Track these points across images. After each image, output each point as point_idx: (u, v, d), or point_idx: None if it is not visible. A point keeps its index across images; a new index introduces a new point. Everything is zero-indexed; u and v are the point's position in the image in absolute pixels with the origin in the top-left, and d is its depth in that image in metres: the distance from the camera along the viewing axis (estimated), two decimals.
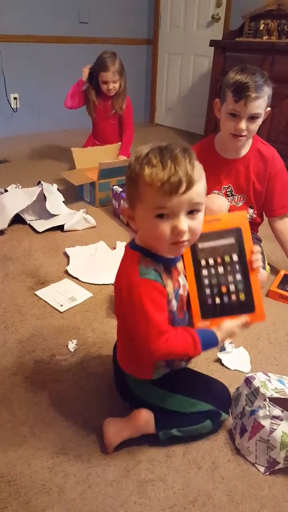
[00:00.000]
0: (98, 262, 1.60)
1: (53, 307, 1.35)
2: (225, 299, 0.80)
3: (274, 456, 0.85)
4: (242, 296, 0.80)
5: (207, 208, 1.39)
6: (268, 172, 1.43)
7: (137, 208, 0.72)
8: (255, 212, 1.51)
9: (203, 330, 0.79)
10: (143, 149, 0.69)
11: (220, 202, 1.41)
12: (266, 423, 0.84)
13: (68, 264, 1.59)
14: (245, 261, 0.80)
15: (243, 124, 1.30)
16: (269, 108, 1.34)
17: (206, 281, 0.80)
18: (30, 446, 0.90)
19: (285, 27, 2.63)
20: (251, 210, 1.50)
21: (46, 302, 1.37)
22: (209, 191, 1.46)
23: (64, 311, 1.33)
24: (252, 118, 1.30)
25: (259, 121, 1.32)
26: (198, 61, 3.58)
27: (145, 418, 0.88)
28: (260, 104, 1.27)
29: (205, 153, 1.47)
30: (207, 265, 0.81)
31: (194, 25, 3.53)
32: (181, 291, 0.82)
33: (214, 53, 2.93)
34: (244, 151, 1.42)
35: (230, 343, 1.18)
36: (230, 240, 0.81)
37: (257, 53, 2.60)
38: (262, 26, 2.69)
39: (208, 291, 0.80)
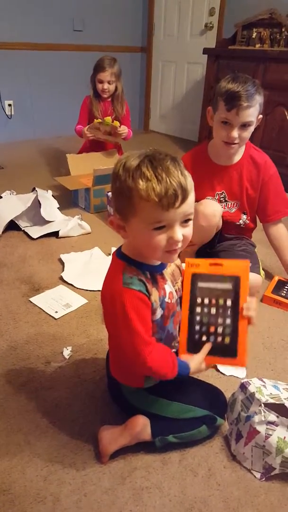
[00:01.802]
0: (93, 268, 1.60)
1: (47, 313, 1.34)
2: (211, 339, 0.83)
3: (270, 462, 0.85)
4: (227, 340, 0.83)
5: (200, 214, 1.41)
6: (261, 178, 1.44)
7: (131, 221, 0.71)
8: (248, 218, 1.52)
9: (180, 359, 0.82)
10: (130, 160, 0.68)
11: (213, 207, 1.42)
12: (261, 428, 0.84)
13: (63, 270, 1.59)
14: (237, 308, 0.83)
15: (235, 133, 1.32)
16: (261, 116, 1.35)
17: (198, 318, 0.84)
18: (25, 454, 0.89)
19: (277, 36, 2.67)
20: (244, 216, 1.51)
21: (40, 308, 1.37)
22: (202, 197, 1.47)
23: (59, 317, 1.33)
24: (244, 126, 1.32)
25: (251, 128, 1.34)
26: (191, 68, 3.62)
27: (141, 425, 0.88)
28: (252, 113, 1.29)
29: (198, 160, 1.49)
30: (202, 304, 0.84)
31: (188, 33, 3.57)
32: (167, 299, 0.81)
33: (207, 61, 2.97)
34: (237, 158, 1.44)
35: None
36: (228, 286, 0.85)
37: (250, 61, 2.64)
38: (254, 35, 2.74)
39: (197, 327, 0.84)
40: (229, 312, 0.84)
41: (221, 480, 0.86)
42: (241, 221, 1.51)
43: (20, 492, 0.82)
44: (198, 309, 0.84)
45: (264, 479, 0.86)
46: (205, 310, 0.84)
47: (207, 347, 0.83)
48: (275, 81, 2.51)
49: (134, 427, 0.87)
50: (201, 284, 0.85)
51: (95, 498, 0.81)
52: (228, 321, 0.83)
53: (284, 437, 0.83)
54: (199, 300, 0.84)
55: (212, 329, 0.84)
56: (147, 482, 0.85)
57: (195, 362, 0.82)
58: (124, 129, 2.38)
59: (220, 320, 0.84)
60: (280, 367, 1.16)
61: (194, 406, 0.88)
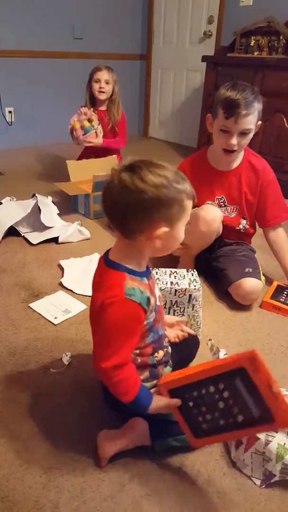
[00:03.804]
0: (92, 274, 1.59)
1: (47, 319, 1.34)
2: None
3: (270, 469, 0.84)
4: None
5: (201, 219, 1.42)
6: (260, 183, 1.45)
7: (177, 225, 0.76)
8: (248, 222, 1.52)
9: (146, 392, 0.82)
10: (129, 178, 0.70)
11: (214, 212, 1.43)
12: (261, 435, 0.83)
13: (62, 276, 1.59)
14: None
15: (234, 140, 1.33)
16: (260, 122, 1.36)
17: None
18: (24, 461, 0.89)
19: (275, 43, 2.70)
20: (244, 221, 1.52)
21: (40, 314, 1.37)
22: (202, 202, 1.48)
23: (58, 323, 1.33)
24: (243, 133, 1.33)
25: (250, 135, 1.35)
26: (190, 76, 3.65)
27: (140, 427, 0.88)
28: (251, 120, 1.30)
29: (197, 165, 1.50)
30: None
31: (187, 41, 3.61)
32: (158, 302, 0.84)
33: (206, 68, 3.00)
34: (236, 163, 1.45)
35: (225, 354, 1.18)
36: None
37: (248, 68, 2.66)
38: (253, 42, 2.77)
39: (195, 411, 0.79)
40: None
41: (221, 487, 0.85)
42: (240, 226, 1.52)
43: (19, 499, 0.81)
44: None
45: (264, 486, 0.85)
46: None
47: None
48: (273, 88, 2.53)
49: (133, 429, 0.87)
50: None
51: (94, 505, 0.81)
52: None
53: (284, 444, 0.83)
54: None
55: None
56: (147, 490, 0.84)
57: (159, 400, 0.81)
58: (91, 139, 2.39)
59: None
60: (280, 373, 1.16)
61: None
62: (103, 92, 2.42)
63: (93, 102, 2.50)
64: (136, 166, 0.71)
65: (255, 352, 0.68)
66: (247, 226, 1.52)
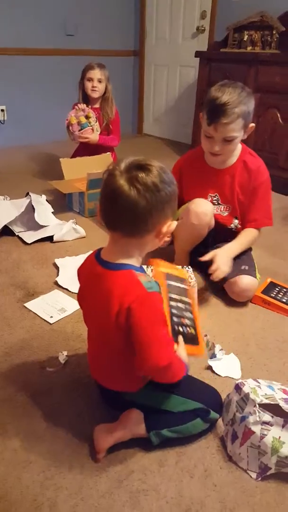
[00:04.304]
0: None
1: (42, 318, 1.34)
2: (184, 329, 0.92)
3: (265, 462, 0.85)
4: (192, 331, 0.95)
5: (192, 212, 1.42)
6: (251, 183, 1.43)
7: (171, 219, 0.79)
8: (240, 222, 1.51)
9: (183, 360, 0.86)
10: (146, 178, 0.72)
11: (205, 205, 1.43)
12: (256, 429, 0.84)
13: (57, 275, 1.59)
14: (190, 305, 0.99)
15: (216, 147, 1.32)
16: (252, 124, 1.33)
17: (174, 311, 0.92)
18: (21, 460, 0.89)
19: (268, 38, 2.69)
20: (236, 221, 1.51)
21: (35, 314, 1.37)
22: (195, 198, 1.48)
23: (54, 322, 1.33)
24: (227, 140, 1.31)
25: (236, 141, 1.34)
26: (184, 72, 3.64)
27: (135, 417, 0.88)
28: (232, 128, 1.27)
29: (193, 162, 1.50)
30: (173, 299, 0.95)
31: (180, 36, 3.60)
32: None
33: (199, 64, 2.99)
34: (231, 162, 1.45)
35: (220, 349, 1.19)
36: (184, 286, 1.01)
37: (242, 64, 2.66)
38: (246, 37, 2.76)
39: (175, 319, 0.92)
40: (189, 307, 0.97)
41: (217, 481, 0.86)
42: (232, 225, 1.52)
43: (17, 498, 0.82)
44: (172, 303, 0.93)
45: (260, 479, 0.86)
46: (175, 304, 0.93)
47: (181, 339, 0.87)
48: (267, 83, 2.53)
49: (128, 418, 0.88)
50: (169, 282, 0.97)
51: (92, 502, 0.81)
52: (190, 315, 0.96)
53: (279, 437, 0.83)
54: (171, 295, 0.94)
55: (183, 321, 0.93)
56: (144, 485, 0.85)
57: (184, 356, 0.85)
58: (87, 134, 2.39)
59: (186, 314, 0.95)
60: (275, 367, 1.17)
61: (188, 399, 0.89)
62: (96, 90, 2.42)
63: (86, 100, 2.49)
64: (143, 164, 0.73)
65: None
66: (239, 226, 1.51)
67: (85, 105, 2.43)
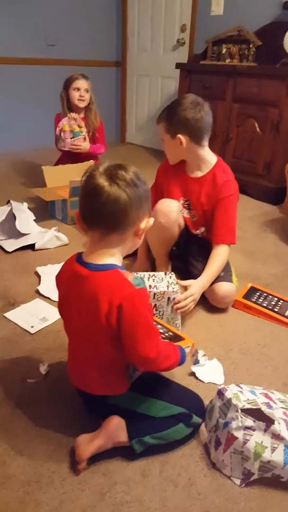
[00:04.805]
0: None
1: (23, 329, 1.32)
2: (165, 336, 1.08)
3: (248, 467, 0.85)
4: (170, 334, 1.13)
5: (158, 211, 1.45)
6: (216, 196, 1.43)
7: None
8: (205, 231, 1.52)
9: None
10: (126, 175, 0.77)
11: (170, 203, 1.47)
12: (239, 434, 0.84)
13: (39, 283, 1.57)
14: None
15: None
16: (179, 137, 1.37)
17: None
18: (0, 476, 0.86)
19: (246, 51, 2.78)
20: (202, 228, 1.53)
21: (16, 324, 1.34)
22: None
23: (35, 332, 1.30)
24: (162, 139, 1.47)
25: (167, 144, 1.45)
26: (165, 82, 3.70)
27: (115, 423, 0.87)
28: (160, 127, 1.43)
29: (171, 166, 1.53)
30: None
31: (161, 48, 3.66)
32: None
33: (180, 75, 3.05)
34: (202, 172, 1.46)
35: (203, 355, 1.19)
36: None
37: (220, 75, 2.73)
38: (224, 50, 2.83)
39: None
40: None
41: (201, 489, 0.85)
42: (198, 232, 1.54)
43: None
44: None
45: (244, 485, 0.86)
46: None
47: None
48: (245, 94, 2.60)
49: (109, 425, 0.87)
50: None
51: None
52: (159, 326, 1.20)
53: (262, 442, 0.83)
54: None
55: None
56: (127, 497, 0.83)
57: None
58: (79, 142, 2.41)
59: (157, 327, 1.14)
60: (257, 371, 1.18)
61: (170, 403, 0.89)
62: (83, 100, 2.45)
63: (70, 109, 2.50)
64: (120, 164, 0.78)
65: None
66: (205, 234, 1.52)
67: (76, 114, 2.43)
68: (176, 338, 1.18)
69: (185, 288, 1.31)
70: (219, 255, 1.41)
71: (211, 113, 1.39)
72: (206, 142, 1.42)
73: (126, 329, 0.78)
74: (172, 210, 1.45)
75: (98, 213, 0.77)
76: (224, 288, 1.40)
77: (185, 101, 1.37)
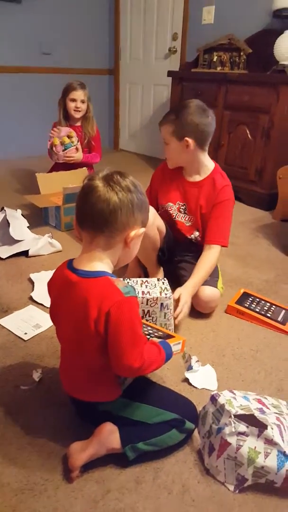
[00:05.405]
0: None
1: (16, 335, 1.31)
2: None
3: (242, 473, 0.85)
4: (160, 334, 1.14)
5: None
6: (214, 199, 1.45)
7: (141, 232, 0.84)
8: (200, 236, 1.53)
9: (161, 342, 0.96)
10: (122, 180, 0.79)
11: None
12: (232, 440, 0.84)
13: (33, 290, 1.57)
14: None
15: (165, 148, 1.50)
16: (187, 139, 1.39)
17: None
18: None
19: (237, 59, 2.82)
20: (196, 233, 1.54)
21: (9, 330, 1.33)
22: (165, 202, 1.54)
23: (29, 339, 1.30)
24: (165, 143, 1.47)
25: (171, 148, 1.46)
26: (157, 90, 3.74)
27: (108, 430, 0.87)
28: (164, 130, 1.44)
29: (168, 171, 1.55)
30: None
31: (153, 56, 3.71)
32: None
33: (172, 83, 3.09)
34: (201, 177, 1.49)
35: (196, 361, 1.19)
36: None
37: (212, 83, 2.76)
38: (215, 58, 2.87)
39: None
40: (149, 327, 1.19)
41: (195, 496, 0.85)
42: (192, 236, 1.55)
43: None
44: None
45: (237, 491, 0.86)
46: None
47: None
48: (236, 102, 2.64)
49: (102, 432, 0.87)
50: None
51: None
52: (150, 330, 1.18)
53: (255, 447, 0.84)
54: None
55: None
56: (121, 504, 0.83)
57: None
58: (71, 153, 2.42)
59: (148, 331, 1.17)
60: (250, 377, 1.18)
61: (162, 409, 0.89)
62: (79, 111, 2.47)
63: (67, 117, 2.52)
64: (119, 171, 0.81)
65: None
66: (199, 238, 1.53)
67: (62, 127, 2.43)
68: (167, 337, 1.17)
69: (177, 299, 1.31)
70: (209, 257, 1.43)
71: (215, 119, 1.43)
72: (207, 147, 1.45)
73: (111, 337, 0.78)
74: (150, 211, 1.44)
75: (89, 211, 0.78)
76: (207, 292, 1.40)
77: (192, 105, 1.38)
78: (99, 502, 0.83)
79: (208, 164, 1.48)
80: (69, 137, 2.41)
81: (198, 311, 1.45)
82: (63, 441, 0.94)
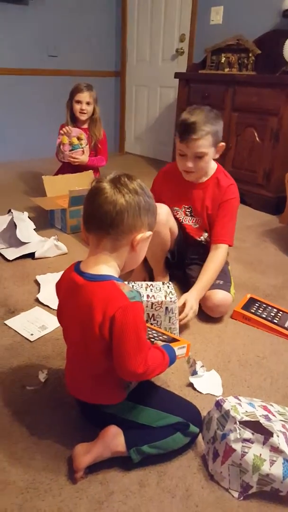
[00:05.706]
0: None
1: (23, 336, 1.32)
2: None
3: (247, 480, 0.85)
4: (165, 337, 1.17)
5: None
6: (220, 199, 1.46)
7: (148, 236, 0.84)
8: (209, 236, 1.53)
9: (164, 346, 0.94)
10: (129, 183, 0.80)
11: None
12: (237, 446, 0.84)
13: (39, 292, 1.58)
14: None
15: (189, 163, 1.39)
16: (222, 143, 1.40)
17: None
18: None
19: (245, 60, 2.80)
20: (205, 234, 1.54)
21: (16, 331, 1.35)
22: (170, 207, 1.53)
23: (35, 340, 1.31)
24: (198, 157, 1.38)
25: (207, 158, 1.40)
26: (164, 92, 3.74)
27: (113, 433, 0.87)
28: (202, 144, 1.34)
29: (171, 174, 1.55)
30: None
31: (160, 58, 3.71)
32: None
33: (179, 85, 3.08)
34: (204, 178, 1.49)
35: (201, 366, 1.19)
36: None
37: (220, 85, 2.75)
38: (223, 59, 2.86)
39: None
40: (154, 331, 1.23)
41: (199, 501, 0.85)
42: (202, 238, 1.55)
43: None
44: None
45: (242, 498, 0.86)
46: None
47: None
48: (244, 104, 2.63)
49: (107, 435, 0.87)
50: None
51: None
52: (155, 333, 1.21)
53: (260, 454, 0.83)
54: None
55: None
56: (125, 506, 0.83)
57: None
58: (77, 155, 2.43)
59: (153, 334, 1.20)
60: (256, 383, 1.18)
61: (167, 413, 0.89)
62: (85, 113, 2.48)
63: (74, 119, 2.53)
64: (127, 174, 0.81)
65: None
66: (209, 240, 1.53)
67: (69, 127, 2.45)
68: (172, 341, 1.17)
69: (183, 305, 1.31)
70: (217, 256, 1.43)
71: None
72: None
73: (116, 341, 0.78)
74: (161, 212, 1.41)
75: (95, 213, 0.79)
76: (220, 296, 1.39)
77: (211, 111, 1.38)
78: (103, 503, 0.83)
79: (212, 164, 1.49)
80: (79, 139, 2.43)
81: (205, 315, 1.45)
82: (68, 442, 0.95)
